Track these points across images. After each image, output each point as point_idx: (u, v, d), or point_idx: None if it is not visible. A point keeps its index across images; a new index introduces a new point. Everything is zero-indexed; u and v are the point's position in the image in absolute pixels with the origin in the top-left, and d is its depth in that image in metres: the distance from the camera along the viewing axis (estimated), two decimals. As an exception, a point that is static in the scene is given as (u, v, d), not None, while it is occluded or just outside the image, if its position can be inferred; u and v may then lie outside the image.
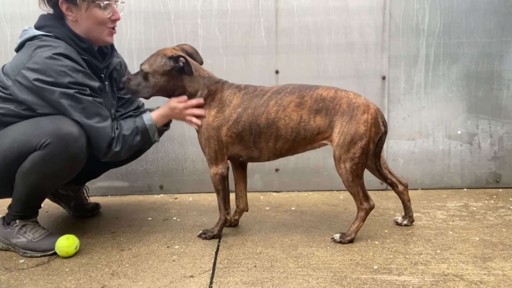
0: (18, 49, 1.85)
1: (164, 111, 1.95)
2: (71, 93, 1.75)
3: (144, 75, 1.89)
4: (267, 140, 1.90)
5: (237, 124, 1.89)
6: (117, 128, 1.86)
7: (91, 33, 1.89)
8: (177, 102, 1.92)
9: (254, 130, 1.89)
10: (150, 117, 1.92)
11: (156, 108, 2.02)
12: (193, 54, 1.98)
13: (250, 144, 1.92)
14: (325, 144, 1.92)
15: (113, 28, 1.94)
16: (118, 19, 1.93)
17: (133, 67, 2.58)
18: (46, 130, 1.72)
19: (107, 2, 1.86)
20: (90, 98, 1.79)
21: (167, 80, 1.89)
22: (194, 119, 1.92)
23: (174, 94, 1.93)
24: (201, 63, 2.00)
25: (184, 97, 1.92)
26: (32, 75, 1.73)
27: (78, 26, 1.87)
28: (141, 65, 1.91)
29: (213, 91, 1.92)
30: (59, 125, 1.74)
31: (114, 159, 1.89)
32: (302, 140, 1.90)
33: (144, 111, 2.01)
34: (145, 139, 1.92)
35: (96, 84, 1.84)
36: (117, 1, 1.93)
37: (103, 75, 1.96)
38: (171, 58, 1.86)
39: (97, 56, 1.94)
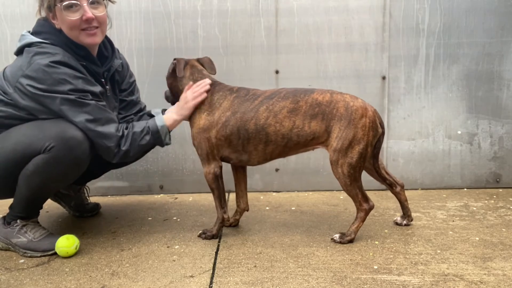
0: (18, 53, 1.84)
1: (174, 107, 1.98)
2: (73, 98, 1.74)
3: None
4: (256, 145, 1.89)
5: (225, 128, 1.89)
6: (126, 128, 1.86)
7: (72, 38, 1.84)
8: (184, 92, 1.98)
9: (242, 135, 1.88)
10: (162, 119, 1.92)
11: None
12: (205, 64, 2.10)
13: (239, 148, 1.91)
14: (318, 148, 1.91)
15: (90, 29, 1.84)
16: (90, 18, 1.81)
17: (133, 67, 2.58)
18: (50, 134, 1.72)
19: (70, 2, 1.77)
20: (93, 102, 1.79)
21: (171, 81, 2.06)
22: (200, 97, 1.94)
23: (178, 96, 2.04)
24: (215, 72, 2.11)
25: (189, 83, 1.99)
26: (31, 84, 1.73)
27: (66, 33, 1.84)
28: None
29: None
30: (63, 129, 1.74)
31: (123, 159, 1.88)
32: (294, 146, 1.88)
33: (159, 112, 2.06)
34: (156, 140, 1.90)
35: (97, 89, 1.83)
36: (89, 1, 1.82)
37: (103, 80, 1.96)
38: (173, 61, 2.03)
39: (96, 61, 1.92)
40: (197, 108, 1.95)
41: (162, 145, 1.95)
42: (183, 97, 1.97)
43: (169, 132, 1.94)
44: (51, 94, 1.73)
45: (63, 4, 1.78)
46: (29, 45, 1.79)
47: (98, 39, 1.89)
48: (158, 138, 1.91)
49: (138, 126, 1.88)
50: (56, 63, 1.74)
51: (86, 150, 1.78)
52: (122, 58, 2.15)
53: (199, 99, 1.93)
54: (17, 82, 1.75)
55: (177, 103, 1.99)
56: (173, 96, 2.09)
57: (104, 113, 1.82)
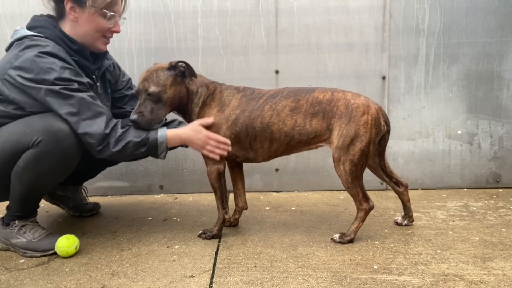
0: (8, 48, 1.85)
1: (184, 131, 1.87)
2: (57, 89, 1.73)
3: (155, 96, 1.84)
4: (262, 143, 1.91)
5: (235, 126, 1.89)
6: (122, 128, 1.82)
7: (87, 37, 1.88)
8: (202, 126, 1.87)
9: (250, 133, 1.89)
10: (164, 134, 1.84)
11: (175, 125, 2.03)
12: None
13: (246, 145, 1.93)
14: (322, 146, 1.91)
15: (109, 38, 1.96)
16: (118, 32, 1.95)
17: (133, 67, 2.59)
18: (37, 128, 1.72)
19: (113, 13, 1.89)
20: (80, 94, 1.76)
21: (175, 90, 1.88)
22: (212, 155, 1.88)
23: (182, 101, 1.92)
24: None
25: (210, 119, 1.89)
26: (18, 74, 1.73)
27: (76, 27, 1.86)
28: (145, 91, 1.84)
29: (212, 90, 1.94)
30: (50, 122, 1.73)
31: (110, 158, 1.85)
32: (297, 144, 1.90)
33: (164, 125, 1.99)
34: (151, 153, 1.86)
35: (84, 79, 1.82)
36: (120, 16, 1.95)
37: (94, 76, 1.96)
38: (170, 68, 1.87)
39: (88, 57, 1.93)
40: (207, 104, 1.92)
41: (155, 157, 1.89)
42: (203, 133, 1.86)
43: (167, 149, 1.88)
44: (37, 84, 1.72)
45: (111, 13, 1.87)
46: (21, 38, 1.80)
47: (106, 48, 2.01)
48: (154, 152, 1.85)
49: (137, 135, 1.81)
50: (44, 54, 1.74)
51: (75, 142, 1.76)
52: (112, 59, 2.17)
53: (211, 156, 1.88)
54: (5, 75, 1.75)
55: (193, 127, 1.87)
56: (173, 106, 1.92)
57: (91, 106, 1.77)
